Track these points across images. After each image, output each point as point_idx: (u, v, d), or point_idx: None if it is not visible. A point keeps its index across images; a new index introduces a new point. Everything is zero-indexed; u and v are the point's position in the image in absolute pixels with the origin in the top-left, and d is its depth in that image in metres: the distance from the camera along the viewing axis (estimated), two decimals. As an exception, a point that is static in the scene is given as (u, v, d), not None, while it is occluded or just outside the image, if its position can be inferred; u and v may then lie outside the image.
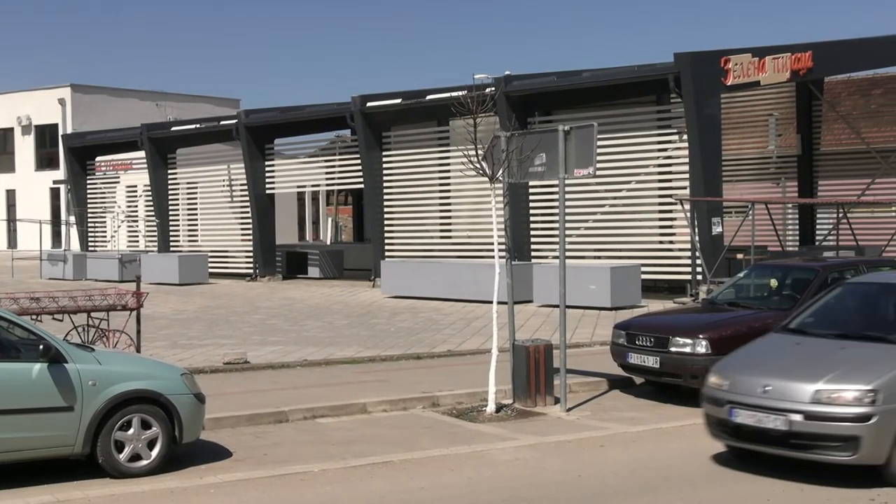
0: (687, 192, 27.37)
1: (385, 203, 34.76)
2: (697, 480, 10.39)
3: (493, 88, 27.14)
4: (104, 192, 47.39)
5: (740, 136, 37.36)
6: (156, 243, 42.85)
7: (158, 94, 60.81)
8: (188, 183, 43.16)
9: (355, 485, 10.43)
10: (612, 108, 30.50)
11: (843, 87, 39.15)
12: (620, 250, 29.47)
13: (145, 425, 10.77)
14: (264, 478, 10.67)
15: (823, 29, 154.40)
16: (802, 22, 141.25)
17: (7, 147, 61.96)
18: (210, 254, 39.84)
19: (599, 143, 14.34)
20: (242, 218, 40.15)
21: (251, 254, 39.34)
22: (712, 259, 26.03)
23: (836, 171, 36.61)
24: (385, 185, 34.82)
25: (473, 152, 13.94)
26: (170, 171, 43.11)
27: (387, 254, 34.06)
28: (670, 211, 29.17)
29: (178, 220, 43.19)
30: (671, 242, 29.63)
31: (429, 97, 32.90)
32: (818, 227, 36.63)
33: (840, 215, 30.22)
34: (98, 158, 47.72)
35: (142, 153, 43.15)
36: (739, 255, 27.08)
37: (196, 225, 43.18)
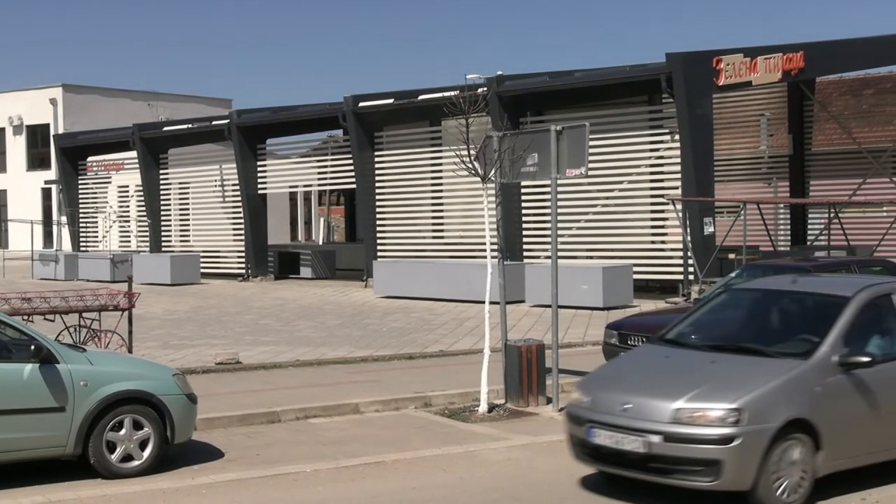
0: (679, 192, 27.40)
1: (377, 203, 34.76)
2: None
3: (485, 88, 27.20)
4: (96, 193, 47.32)
5: (732, 137, 37.41)
6: (147, 243, 42.80)
7: (150, 94, 60.74)
8: (180, 183, 43.11)
9: (347, 485, 10.42)
10: (604, 109, 30.52)
11: (835, 88, 39.22)
12: (612, 250, 29.49)
13: (137, 426, 10.75)
14: (256, 478, 10.66)
15: (815, 29, 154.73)
16: (794, 22, 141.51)
17: (-2, 147, 61.85)
18: (202, 254, 39.80)
19: (591, 143, 14.34)
20: (234, 218, 40.12)
21: (243, 254, 39.31)
22: (704, 259, 26.07)
23: (827, 171, 36.67)
24: (377, 185, 34.82)
25: (465, 152, 13.94)
26: (161, 172, 43.05)
27: (379, 254, 34.05)
28: (662, 211, 29.20)
29: (169, 221, 43.14)
30: (663, 242, 29.66)
31: (421, 97, 32.91)
32: (810, 227, 36.71)
33: (831, 215, 30.28)
34: (90, 158, 47.64)
35: (133, 153, 43.08)
36: (731, 255, 27.13)
37: (188, 225, 43.13)
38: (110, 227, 45.64)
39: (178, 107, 58.71)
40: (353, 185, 36.40)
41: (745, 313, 11.28)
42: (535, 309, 25.86)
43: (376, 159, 34.86)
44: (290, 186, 44.10)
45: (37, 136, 59.75)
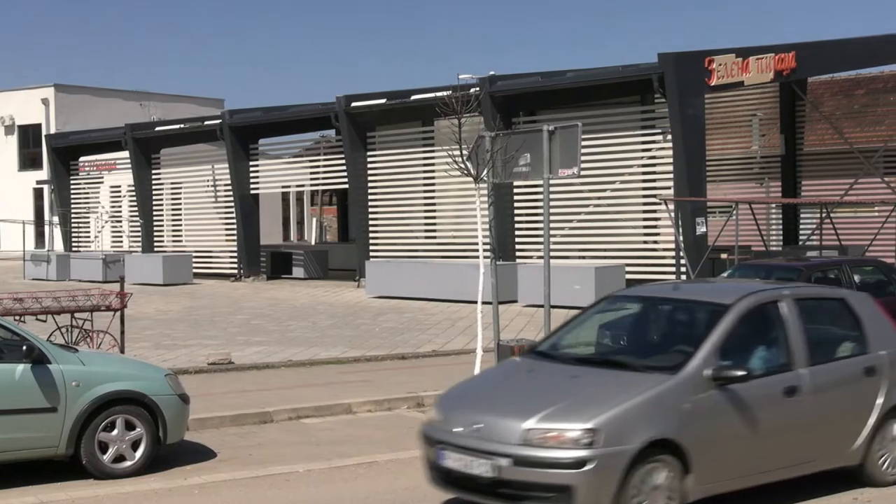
0: (671, 192, 27.42)
1: (370, 203, 34.74)
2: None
3: (477, 89, 27.16)
4: (88, 193, 47.24)
5: (724, 137, 37.45)
6: (140, 244, 42.72)
7: (142, 94, 60.63)
8: (172, 183, 43.05)
9: (340, 485, 10.42)
10: (597, 109, 30.53)
11: (826, 88, 39.29)
12: (605, 250, 29.51)
13: (129, 426, 10.74)
14: (249, 478, 10.65)
15: (807, 29, 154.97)
16: (786, 23, 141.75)
17: (-10, 147, 61.72)
18: (194, 254, 39.74)
19: (584, 143, 14.37)
20: (227, 218, 40.07)
21: (235, 254, 39.26)
22: (696, 259, 26.08)
23: (819, 172, 36.72)
24: (370, 185, 34.81)
25: (458, 152, 13.96)
26: (154, 172, 42.98)
27: (371, 254, 34.04)
28: (654, 211, 29.22)
29: (162, 221, 43.08)
30: (655, 242, 29.68)
31: (413, 97, 32.89)
32: (801, 226, 36.75)
33: (823, 215, 30.32)
34: (82, 158, 47.55)
35: (125, 153, 43.00)
36: (723, 255, 27.15)
37: (180, 225, 43.06)
38: (102, 227, 45.57)
39: (170, 107, 58.59)
40: (346, 185, 36.39)
41: (622, 323, 10.61)
42: (527, 309, 25.87)
43: (368, 159, 34.85)
44: (283, 186, 44.07)
45: (28, 137, 59.59)
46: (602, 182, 29.31)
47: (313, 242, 52.32)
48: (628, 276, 27.24)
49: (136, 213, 43.04)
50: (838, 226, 30.56)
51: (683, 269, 26.59)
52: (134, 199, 43.29)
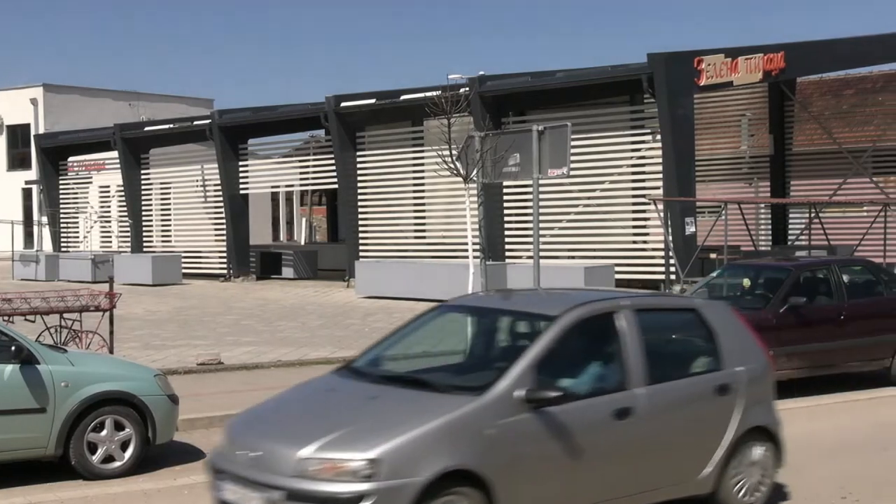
0: (660, 192, 27.47)
1: (359, 203, 34.74)
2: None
3: (467, 89, 27.23)
4: (77, 193, 47.16)
5: (713, 137, 37.53)
6: (129, 244, 42.66)
7: (131, 94, 60.54)
8: (161, 183, 43.00)
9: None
10: (586, 109, 30.57)
11: (815, 88, 39.39)
12: (594, 250, 29.54)
13: (118, 427, 10.72)
14: (238, 479, 10.62)
15: (795, 30, 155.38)
16: (775, 23, 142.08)
17: (-22, 147, 61.57)
18: (183, 254, 39.69)
19: (573, 143, 14.39)
20: (216, 218, 40.03)
21: (225, 254, 39.22)
22: (685, 259, 26.13)
23: (808, 171, 36.82)
24: (359, 185, 34.80)
25: (448, 152, 13.97)
26: (143, 172, 42.93)
27: (361, 254, 34.03)
28: (644, 211, 29.27)
29: (151, 221, 43.03)
30: (645, 242, 29.72)
31: (403, 97, 32.90)
32: (790, 226, 36.84)
33: (812, 215, 30.40)
34: (71, 158, 47.47)
35: (115, 153, 42.94)
36: (713, 255, 27.20)
37: (169, 225, 43.02)
38: (91, 227, 45.48)
39: (160, 107, 58.54)
40: (335, 186, 36.38)
41: (447, 335, 9.61)
42: (517, 309, 25.83)
43: (358, 159, 34.84)
44: (272, 186, 44.05)
45: (17, 136, 59.46)
46: (591, 182, 29.35)
47: (303, 242, 52.27)
48: (618, 277, 27.30)
49: (126, 214, 42.98)
50: (827, 226, 30.65)
51: (673, 269, 26.64)
52: (123, 199, 43.23)
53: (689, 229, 27.01)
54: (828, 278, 15.94)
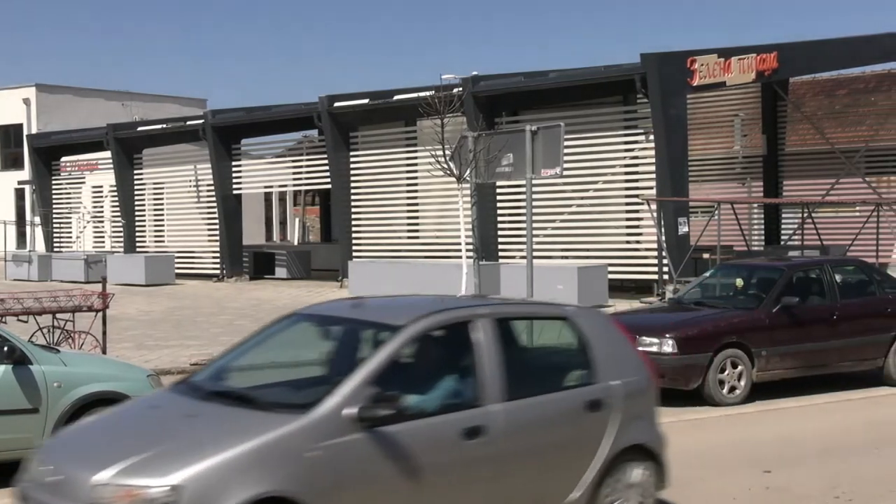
0: (653, 192, 27.48)
1: (352, 203, 34.73)
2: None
3: (460, 89, 27.22)
4: (69, 193, 47.09)
5: (706, 137, 37.54)
6: (122, 244, 42.62)
7: (124, 94, 60.43)
8: (154, 183, 42.98)
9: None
10: (579, 109, 30.58)
11: (808, 88, 39.43)
12: (587, 250, 29.55)
13: (111, 427, 10.70)
14: (231, 479, 10.60)
15: (789, 30, 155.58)
16: (767, 23, 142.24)
17: (-29, 147, 61.47)
18: (176, 254, 39.66)
19: (566, 143, 14.41)
20: (209, 218, 39.99)
21: (218, 254, 39.20)
22: (679, 259, 26.15)
23: (800, 172, 36.85)
24: (352, 185, 34.79)
25: (441, 152, 13.97)
26: (136, 172, 42.90)
27: (354, 254, 34.02)
28: (637, 211, 29.28)
29: (144, 221, 42.98)
30: (638, 242, 29.74)
31: (396, 97, 32.89)
32: (783, 226, 36.85)
33: (805, 215, 30.43)
34: (63, 159, 47.41)
35: (107, 153, 42.91)
36: (706, 255, 27.23)
37: (162, 225, 42.99)
38: (84, 227, 45.43)
39: (153, 107, 58.43)
40: (329, 186, 36.36)
41: (293, 347, 8.84)
42: (510, 309, 25.84)
43: (351, 159, 34.83)
44: (265, 187, 44.02)
45: (10, 136, 59.32)
46: (585, 182, 29.37)
47: (296, 243, 52.24)
48: (611, 276, 27.30)
49: (119, 214, 42.93)
50: (820, 226, 30.68)
51: (666, 269, 26.68)
52: (116, 199, 43.18)
53: (683, 229, 27.03)
54: (820, 278, 15.97)
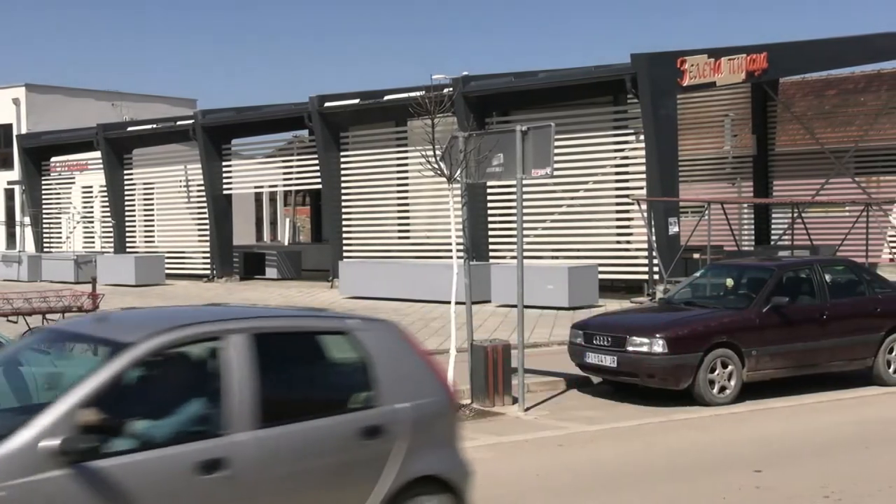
0: (644, 192, 27.52)
1: (343, 203, 34.72)
2: (655, 479, 10.44)
3: (450, 89, 27.18)
4: (59, 193, 47.02)
5: (696, 137, 37.60)
6: (112, 244, 42.55)
7: (114, 94, 60.28)
8: (144, 183, 42.93)
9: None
10: (570, 109, 30.61)
11: (798, 88, 39.50)
12: (578, 250, 29.59)
13: (101, 428, 10.66)
14: (222, 479, 10.59)
15: (778, 30, 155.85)
16: (757, 23, 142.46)
17: (-40, 147, 61.31)
18: (167, 255, 39.62)
19: (557, 143, 14.38)
20: (199, 219, 39.96)
21: (208, 254, 39.16)
22: (669, 259, 26.19)
23: (790, 172, 36.93)
24: (343, 185, 34.78)
25: (431, 153, 13.95)
26: (126, 172, 42.84)
27: (345, 254, 34.01)
28: (627, 211, 29.31)
29: (134, 221, 42.93)
30: (628, 242, 29.78)
31: (386, 97, 32.90)
32: (773, 226, 36.93)
33: (795, 215, 30.49)
34: (53, 159, 47.34)
35: (97, 153, 42.85)
36: (696, 255, 27.27)
37: (152, 226, 42.94)
38: (74, 227, 45.35)
39: (143, 107, 58.29)
40: (319, 186, 36.34)
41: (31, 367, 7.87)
42: (500, 309, 25.89)
43: (342, 159, 34.82)
44: (256, 187, 44.00)
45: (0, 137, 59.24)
46: (575, 182, 29.39)
47: (286, 243, 52.22)
48: (601, 276, 27.33)
49: (108, 214, 42.86)
50: (810, 225, 30.76)
51: (656, 269, 26.71)
52: (106, 199, 43.12)
53: (673, 229, 27.07)
54: (810, 278, 15.99)
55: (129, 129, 43.32)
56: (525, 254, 15.00)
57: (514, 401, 14.15)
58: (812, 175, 35.63)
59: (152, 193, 42.82)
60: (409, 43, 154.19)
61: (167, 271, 38.26)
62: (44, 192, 47.10)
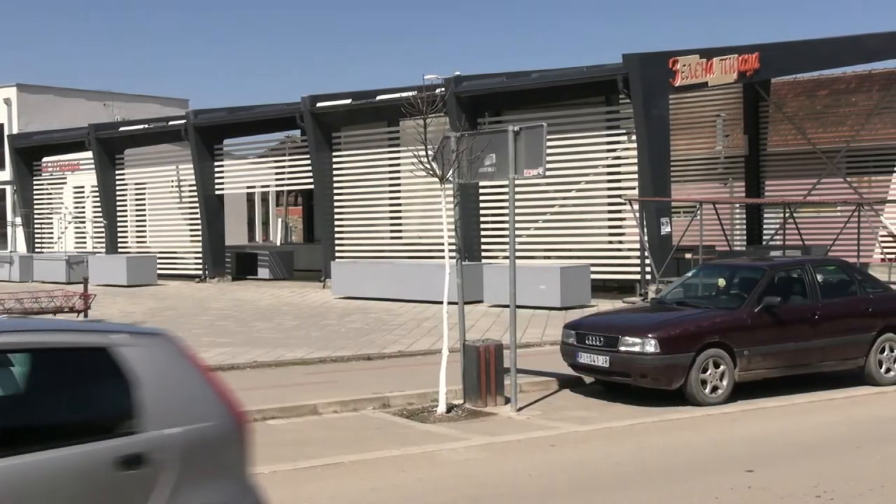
0: (636, 192, 27.55)
1: (335, 204, 34.72)
2: (647, 479, 10.44)
3: (442, 89, 27.24)
4: (51, 193, 46.96)
5: (688, 137, 37.66)
6: (103, 244, 42.49)
7: (106, 94, 60.21)
8: (136, 184, 42.88)
9: (305, 487, 10.39)
10: (562, 109, 30.65)
11: (790, 89, 39.57)
12: (570, 250, 29.62)
13: (93, 428, 10.63)
14: (214, 480, 10.57)
15: (770, 30, 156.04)
16: (749, 23, 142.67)
17: (-49, 148, 61.17)
18: (159, 255, 39.58)
19: (549, 143, 14.40)
20: (191, 219, 39.93)
21: (200, 255, 39.13)
22: (661, 259, 26.22)
23: (782, 172, 37.00)
24: (335, 185, 34.78)
25: (423, 153, 13.94)
26: (117, 172, 42.79)
27: (337, 254, 34.00)
28: (619, 211, 29.36)
29: (126, 222, 42.89)
30: (620, 242, 29.82)
31: (379, 98, 32.89)
32: (765, 226, 37.01)
33: (786, 215, 30.54)
34: (45, 159, 47.28)
35: (89, 154, 42.80)
36: (688, 255, 27.31)
37: (144, 226, 42.90)
38: (66, 228, 45.29)
39: (134, 107, 58.23)
40: (311, 186, 36.35)
41: None
42: (493, 309, 25.91)
43: (334, 160, 34.82)
44: (248, 187, 43.99)
45: (-9, 137, 59.12)
46: (567, 182, 29.42)
47: (279, 243, 52.20)
48: (594, 276, 27.37)
49: (100, 214, 42.82)
50: (801, 225, 30.82)
51: (648, 268, 26.74)
52: (98, 199, 43.07)
53: (665, 229, 27.10)
54: (802, 278, 16.01)
55: (121, 129, 43.26)
56: (517, 254, 15.00)
57: (507, 401, 14.15)
58: (804, 175, 35.71)
59: (144, 194, 42.78)
60: (401, 43, 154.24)
61: (159, 272, 38.23)
62: (35, 192, 47.03)
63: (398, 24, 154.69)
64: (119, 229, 42.53)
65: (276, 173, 39.69)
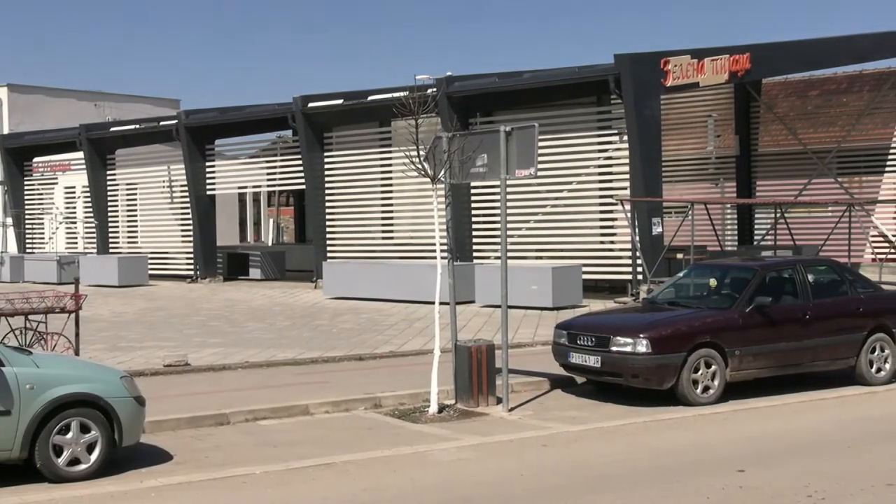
0: (627, 192, 27.58)
1: (327, 204, 34.70)
2: (638, 479, 10.45)
3: (434, 89, 27.23)
4: (42, 194, 46.88)
5: (680, 137, 37.70)
6: (95, 245, 42.43)
7: (97, 95, 60.12)
8: (128, 184, 42.82)
9: (297, 487, 10.39)
10: (554, 109, 30.67)
11: (781, 89, 39.63)
12: (562, 250, 29.64)
13: (84, 429, 10.64)
14: (205, 481, 10.59)
15: (761, 30, 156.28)
16: (740, 23, 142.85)
17: (-58, 148, 60.96)
18: (150, 255, 39.53)
19: (540, 143, 14.40)
20: (183, 219, 39.89)
21: (192, 255, 39.08)
22: (652, 259, 26.25)
23: (773, 172, 37.06)
24: (327, 185, 34.77)
25: (415, 153, 13.94)
26: (109, 172, 42.73)
27: (329, 255, 33.99)
28: (611, 211, 29.39)
29: (117, 222, 42.83)
30: (612, 242, 29.84)
31: (370, 98, 32.89)
32: (756, 226, 37.06)
33: (778, 215, 30.59)
34: (36, 159, 47.19)
35: (80, 154, 42.73)
36: (679, 255, 27.34)
37: (136, 226, 42.84)
38: (57, 228, 45.21)
39: (126, 107, 58.15)
40: (303, 186, 36.33)
41: None
42: (484, 309, 25.91)
43: (326, 160, 34.80)
44: (239, 187, 43.95)
45: (-19, 137, 58.95)
46: (559, 182, 29.45)
47: (270, 243, 52.11)
48: (585, 277, 27.39)
49: (91, 214, 42.75)
50: (792, 226, 30.87)
51: (640, 269, 26.76)
52: (89, 199, 43.00)
53: (656, 229, 27.13)
54: (793, 278, 16.03)
55: (112, 129, 43.19)
56: (509, 254, 15.00)
57: (499, 401, 14.16)
58: (795, 175, 35.77)
59: (135, 194, 42.72)
60: (392, 43, 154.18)
61: (150, 272, 38.18)
62: (26, 192, 46.95)
63: (390, 25, 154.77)
64: (110, 230, 42.48)
65: (268, 173, 39.65)
